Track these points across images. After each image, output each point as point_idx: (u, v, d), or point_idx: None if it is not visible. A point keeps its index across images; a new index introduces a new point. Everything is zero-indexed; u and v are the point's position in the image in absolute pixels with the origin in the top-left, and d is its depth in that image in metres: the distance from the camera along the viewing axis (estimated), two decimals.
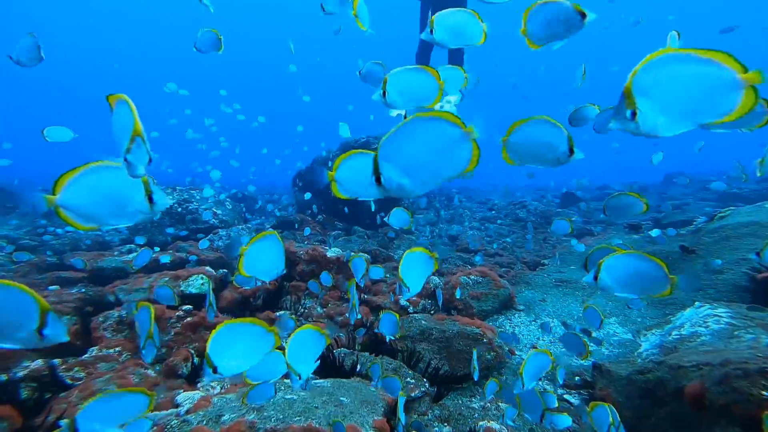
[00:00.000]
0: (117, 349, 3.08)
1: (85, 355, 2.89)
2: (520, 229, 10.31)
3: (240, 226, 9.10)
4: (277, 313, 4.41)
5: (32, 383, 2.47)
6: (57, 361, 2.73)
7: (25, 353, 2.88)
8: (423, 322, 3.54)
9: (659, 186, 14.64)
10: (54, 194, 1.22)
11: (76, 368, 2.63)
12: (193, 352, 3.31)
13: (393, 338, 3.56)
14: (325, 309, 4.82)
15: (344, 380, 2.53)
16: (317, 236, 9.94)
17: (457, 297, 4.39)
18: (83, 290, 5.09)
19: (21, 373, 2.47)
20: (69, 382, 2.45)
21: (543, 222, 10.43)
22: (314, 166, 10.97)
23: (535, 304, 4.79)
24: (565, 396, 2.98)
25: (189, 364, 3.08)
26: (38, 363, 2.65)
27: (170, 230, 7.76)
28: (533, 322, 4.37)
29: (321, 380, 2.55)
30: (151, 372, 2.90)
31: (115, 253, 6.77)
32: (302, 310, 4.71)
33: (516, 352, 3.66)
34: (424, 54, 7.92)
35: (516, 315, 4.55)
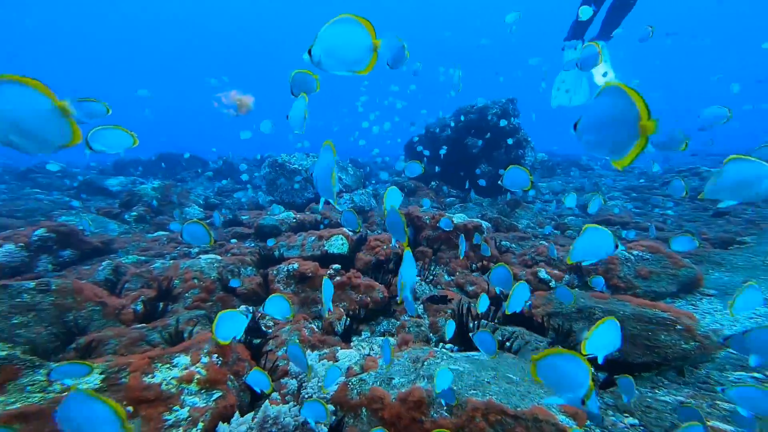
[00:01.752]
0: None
1: None
2: (689, 200, 8.15)
3: (360, 191, 9.63)
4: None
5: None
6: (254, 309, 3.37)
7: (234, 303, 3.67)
8: (580, 299, 3.14)
9: None
10: None
11: (267, 318, 3.18)
12: (342, 310, 3.69)
13: (527, 308, 3.32)
14: (453, 277, 4.77)
15: (503, 355, 2.41)
16: (433, 203, 9.87)
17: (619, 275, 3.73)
18: (253, 244, 6.26)
19: None
20: (264, 329, 3.00)
21: None
22: (428, 131, 10.68)
23: (735, 290, 3.73)
24: None
25: (343, 322, 3.43)
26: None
27: (308, 194, 8.77)
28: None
29: (475, 353, 2.49)
30: (315, 326, 3.33)
31: (268, 212, 8.05)
32: (431, 276, 4.75)
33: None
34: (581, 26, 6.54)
35: (705, 300, 3.63)
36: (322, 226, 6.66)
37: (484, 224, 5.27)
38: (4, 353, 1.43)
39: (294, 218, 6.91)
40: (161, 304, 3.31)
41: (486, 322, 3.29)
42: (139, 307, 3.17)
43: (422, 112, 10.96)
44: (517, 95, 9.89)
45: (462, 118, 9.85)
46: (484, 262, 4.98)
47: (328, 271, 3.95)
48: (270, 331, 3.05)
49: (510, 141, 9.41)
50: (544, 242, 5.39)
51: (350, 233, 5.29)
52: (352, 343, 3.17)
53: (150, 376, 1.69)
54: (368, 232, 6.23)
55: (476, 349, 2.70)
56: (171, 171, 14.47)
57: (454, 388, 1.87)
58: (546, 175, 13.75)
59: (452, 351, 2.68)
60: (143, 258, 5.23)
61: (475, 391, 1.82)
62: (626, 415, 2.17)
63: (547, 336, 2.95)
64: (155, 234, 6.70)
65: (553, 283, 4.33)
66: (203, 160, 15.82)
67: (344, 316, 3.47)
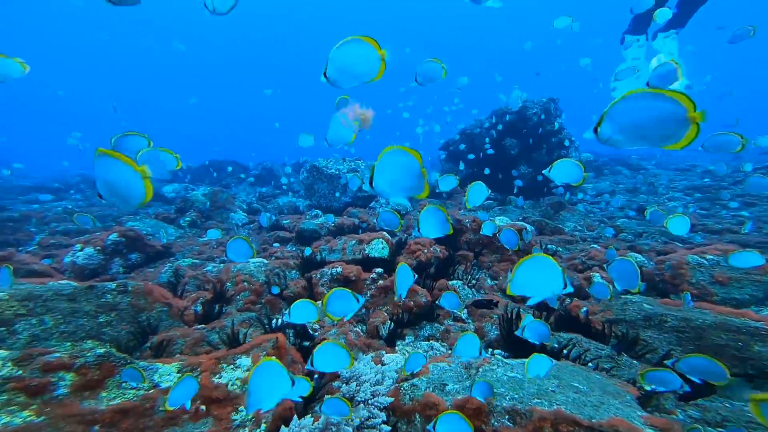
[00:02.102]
0: None
1: None
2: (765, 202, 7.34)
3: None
4: (451, 282, 4.48)
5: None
6: None
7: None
8: (646, 305, 2.93)
9: None
10: None
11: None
12: (385, 314, 3.71)
13: (583, 314, 3.14)
14: (497, 281, 4.64)
15: (563, 363, 2.31)
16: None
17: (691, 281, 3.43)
18: (294, 248, 6.49)
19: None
20: (311, 332, 3.10)
21: None
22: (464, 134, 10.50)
23: None
24: None
25: (387, 326, 3.45)
26: None
27: (345, 198, 8.94)
28: None
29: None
30: (360, 330, 3.38)
31: (307, 217, 8.31)
32: (473, 281, 4.65)
33: None
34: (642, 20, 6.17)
35: None
36: (360, 231, 6.76)
37: (529, 227, 5.08)
38: (101, 350, 1.60)
39: (333, 222, 7.09)
40: (217, 306, 3.53)
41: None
42: (199, 308, 3.40)
43: (473, 111, 10.79)
44: (561, 95, 9.48)
45: (497, 119, 9.60)
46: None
47: (371, 275, 4.00)
48: (317, 334, 3.14)
49: (553, 140, 9.02)
50: (595, 246, 5.07)
51: (390, 237, 5.31)
52: (396, 348, 3.19)
53: (217, 376, 1.80)
54: (406, 236, 6.23)
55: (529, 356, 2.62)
56: (216, 177, 15.38)
57: (516, 396, 1.82)
58: (592, 175, 13.00)
59: (505, 357, 2.60)
60: (197, 261, 5.61)
61: (539, 400, 1.75)
62: (719, 429, 1.98)
63: (608, 344, 2.79)
64: (206, 238, 7.15)
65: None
66: (244, 165, 16.66)
67: (388, 321, 3.50)
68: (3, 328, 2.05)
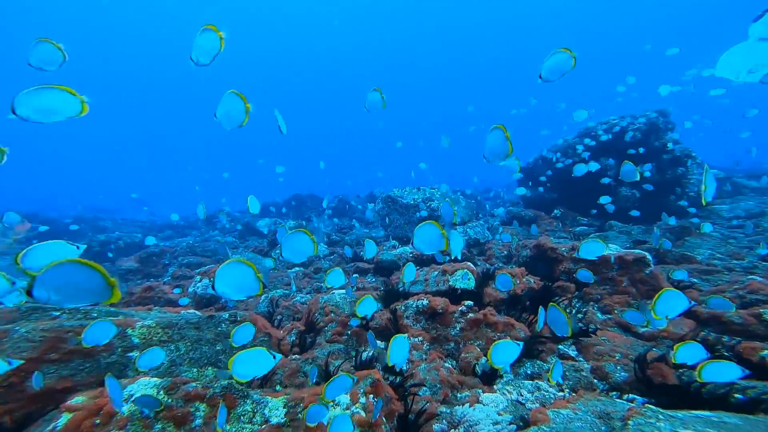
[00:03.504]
0: (419, 338, 3.56)
1: None
2: None
3: (474, 222, 9.25)
4: None
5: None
6: None
7: None
8: None
9: None
10: None
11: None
12: (478, 350, 3.41)
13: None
14: (610, 315, 3.97)
15: (754, 417, 1.78)
16: (556, 233, 8.77)
17: None
18: (374, 279, 6.57)
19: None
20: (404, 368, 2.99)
21: None
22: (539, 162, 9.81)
23: None
24: None
25: (482, 363, 3.15)
26: None
27: None
28: None
29: (709, 413, 1.86)
30: (451, 365, 3.15)
31: (384, 248, 8.42)
32: (579, 315, 4.07)
33: None
34: None
35: None
36: (447, 260, 6.57)
37: (649, 256, 4.33)
38: (225, 382, 1.73)
39: (410, 253, 7.03)
40: (308, 337, 3.65)
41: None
42: (293, 338, 3.55)
43: (543, 133, 10.20)
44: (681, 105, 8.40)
45: (589, 141, 8.79)
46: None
47: (460, 308, 3.77)
48: (405, 368, 3.00)
49: (665, 157, 7.89)
50: (756, 278, 4.02)
51: (474, 267, 5.03)
52: (495, 386, 2.87)
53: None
54: (490, 266, 5.84)
55: (691, 407, 2.06)
56: (298, 210, 16.77)
57: None
58: (727, 195, 10.81)
59: (653, 405, 2.12)
60: (287, 291, 6.00)
61: None
62: None
63: None
64: (293, 270, 7.68)
65: None
66: (320, 198, 17.91)
67: (483, 357, 3.20)
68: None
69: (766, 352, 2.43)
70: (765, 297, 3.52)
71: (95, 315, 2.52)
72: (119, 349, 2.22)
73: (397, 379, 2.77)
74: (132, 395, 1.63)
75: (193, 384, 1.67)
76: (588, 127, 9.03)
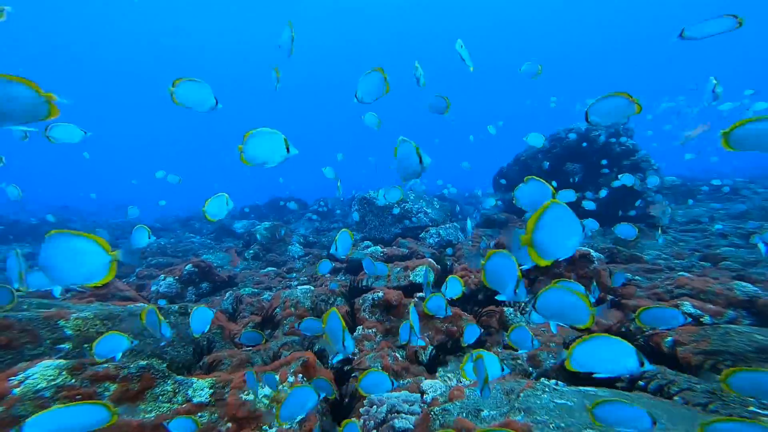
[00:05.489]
0: (373, 329, 3.68)
1: (355, 333, 3.61)
2: None
3: (447, 224, 9.47)
4: (505, 309, 4.17)
5: None
6: None
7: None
8: (758, 336, 2.46)
9: None
10: None
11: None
12: (427, 339, 3.56)
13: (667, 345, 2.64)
14: None
15: (636, 395, 1.98)
16: None
17: None
18: (344, 278, 6.66)
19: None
20: (351, 356, 3.10)
21: None
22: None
23: None
24: None
25: (428, 352, 3.30)
26: None
27: (395, 229, 9.07)
28: None
29: (591, 388, 2.07)
30: (398, 355, 3.28)
31: (359, 247, 8.54)
32: (528, 308, 4.27)
33: None
34: None
35: None
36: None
37: (594, 254, 4.60)
38: (144, 363, 1.80)
39: (381, 252, 7.19)
40: (267, 330, 3.73)
41: None
42: None
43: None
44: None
45: (557, 144, 9.17)
46: (601, 295, 4.33)
47: (413, 300, 3.91)
48: (355, 357, 3.11)
49: (625, 163, 8.30)
50: (684, 273, 4.37)
51: (435, 264, 5.20)
52: (437, 374, 3.02)
53: (246, 393, 1.88)
54: (452, 262, 6.03)
55: (590, 385, 2.28)
56: (279, 213, 16.72)
57: (562, 425, 1.59)
58: (681, 201, 11.38)
59: (556, 385, 2.31)
60: (256, 290, 6.04)
61: (590, 430, 1.52)
62: None
63: (700, 376, 2.37)
64: (266, 270, 7.70)
65: (707, 319, 3.50)
66: (304, 201, 17.90)
67: (430, 346, 3.34)
68: (86, 345, 2.42)
69: (669, 339, 2.66)
70: (689, 291, 3.81)
71: (25, 307, 2.53)
72: (47, 341, 2.24)
73: (341, 366, 2.88)
74: (27, 377, 1.64)
75: (105, 365, 1.74)
76: (556, 131, 9.40)
